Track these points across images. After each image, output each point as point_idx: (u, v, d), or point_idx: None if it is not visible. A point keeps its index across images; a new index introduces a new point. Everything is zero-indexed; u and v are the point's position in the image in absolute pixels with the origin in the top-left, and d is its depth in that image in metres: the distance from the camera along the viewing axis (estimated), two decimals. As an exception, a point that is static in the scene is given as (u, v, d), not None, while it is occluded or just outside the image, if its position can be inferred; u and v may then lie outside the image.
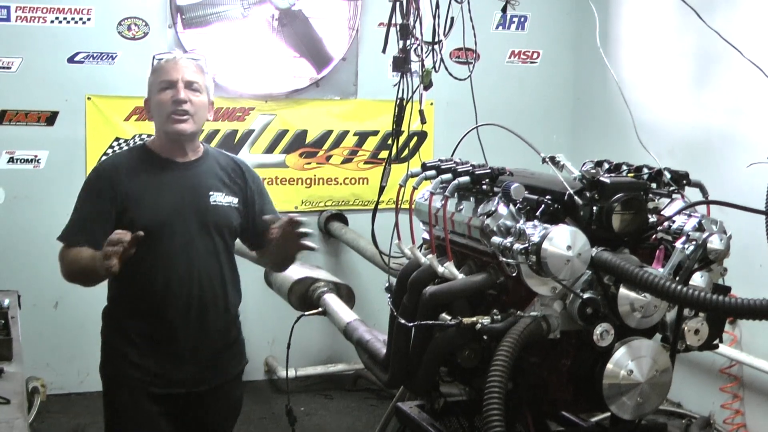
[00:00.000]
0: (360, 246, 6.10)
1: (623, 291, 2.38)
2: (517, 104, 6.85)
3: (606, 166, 2.80)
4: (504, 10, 3.95)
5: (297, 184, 6.61)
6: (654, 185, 2.65)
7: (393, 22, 3.65)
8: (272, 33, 6.41)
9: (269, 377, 6.49)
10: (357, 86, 6.71)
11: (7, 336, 3.72)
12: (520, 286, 2.41)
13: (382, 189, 3.48)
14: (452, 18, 3.71)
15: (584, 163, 2.78)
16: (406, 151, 5.84)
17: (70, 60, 6.07)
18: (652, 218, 2.53)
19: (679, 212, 2.54)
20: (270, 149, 6.51)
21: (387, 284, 3.02)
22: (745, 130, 5.29)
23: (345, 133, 6.72)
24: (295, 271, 4.77)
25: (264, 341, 6.24)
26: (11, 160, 6.04)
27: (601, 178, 2.47)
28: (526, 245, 2.33)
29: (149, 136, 6.02)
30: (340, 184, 6.75)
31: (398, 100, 3.53)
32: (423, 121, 3.62)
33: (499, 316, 2.43)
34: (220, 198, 3.36)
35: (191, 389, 3.37)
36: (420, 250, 2.86)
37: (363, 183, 6.78)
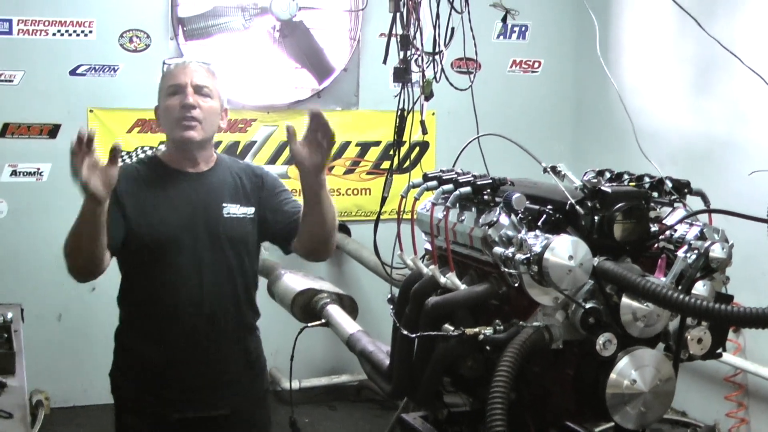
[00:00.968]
0: (362, 257, 6.10)
1: (625, 300, 2.37)
2: (518, 113, 6.87)
3: (607, 175, 2.80)
4: (504, 19, 3.97)
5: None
6: (655, 194, 2.65)
7: (394, 32, 3.66)
8: (273, 44, 6.42)
9: (273, 388, 6.48)
10: (358, 97, 6.73)
11: (10, 350, 3.72)
12: (522, 296, 2.41)
13: (384, 200, 3.48)
14: (453, 28, 3.72)
15: (585, 173, 2.78)
16: (407, 162, 5.86)
17: (72, 72, 6.10)
18: (654, 227, 2.53)
19: (680, 221, 2.54)
20: (272, 160, 6.53)
21: (389, 295, 3.01)
22: (747, 137, 5.29)
23: (347, 144, 6.73)
24: (297, 283, 4.77)
25: (267, 352, 6.19)
26: (14, 173, 6.06)
27: (603, 188, 2.47)
28: (528, 255, 2.33)
29: (151, 148, 6.12)
30: (343, 194, 6.75)
31: (399, 111, 3.53)
32: (424, 132, 3.62)
33: (501, 327, 2.42)
34: (234, 209, 3.22)
35: (208, 413, 3.23)
36: (422, 261, 2.86)
37: (365, 193, 6.79)
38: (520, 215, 2.48)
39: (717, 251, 2.43)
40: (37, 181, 6.11)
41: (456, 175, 2.75)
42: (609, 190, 2.46)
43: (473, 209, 2.65)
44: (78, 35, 6.08)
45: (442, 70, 3.62)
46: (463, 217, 2.66)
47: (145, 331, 3.22)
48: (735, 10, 5.32)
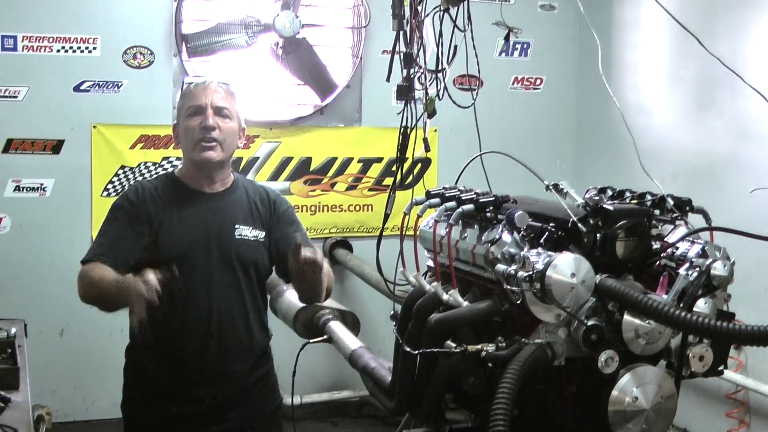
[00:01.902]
0: (365, 273, 6.10)
1: (627, 318, 2.38)
2: (520, 130, 6.89)
3: (609, 192, 2.81)
4: (507, 37, 3.96)
5: (301, 211, 6.62)
6: (657, 212, 2.66)
7: (397, 50, 3.67)
8: (276, 61, 6.45)
9: (279, 404, 6.47)
10: (361, 113, 6.75)
11: (14, 365, 3.72)
12: (524, 314, 2.41)
13: (386, 216, 3.49)
14: (455, 46, 3.73)
15: (587, 190, 2.79)
16: (410, 178, 5.88)
17: (76, 89, 6.12)
18: (656, 245, 2.54)
19: (682, 239, 2.55)
20: (275, 176, 6.54)
21: (392, 312, 3.02)
22: (748, 155, 5.31)
23: (349, 160, 6.75)
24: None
25: (269, 368, 6.24)
26: (17, 188, 6.08)
27: (605, 205, 2.48)
28: (531, 273, 2.34)
29: (154, 164, 6.13)
30: (345, 210, 6.76)
31: (402, 128, 3.54)
32: (427, 149, 3.62)
33: (503, 344, 2.43)
34: (246, 231, 3.24)
35: (215, 430, 3.24)
36: (425, 278, 2.87)
37: (367, 210, 6.80)
38: (522, 233, 2.49)
39: (718, 269, 2.44)
40: (40, 196, 6.12)
41: (459, 193, 2.76)
42: (611, 207, 2.47)
43: (476, 226, 2.66)
44: (82, 51, 6.10)
45: (445, 87, 3.63)
46: (465, 235, 2.67)
47: (155, 348, 3.22)
48: (736, 29, 5.34)
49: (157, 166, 6.21)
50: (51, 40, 6.04)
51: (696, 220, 2.66)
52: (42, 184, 6.12)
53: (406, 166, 3.64)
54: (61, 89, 6.10)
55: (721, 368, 2.57)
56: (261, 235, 3.27)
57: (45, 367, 5.85)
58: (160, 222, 3.16)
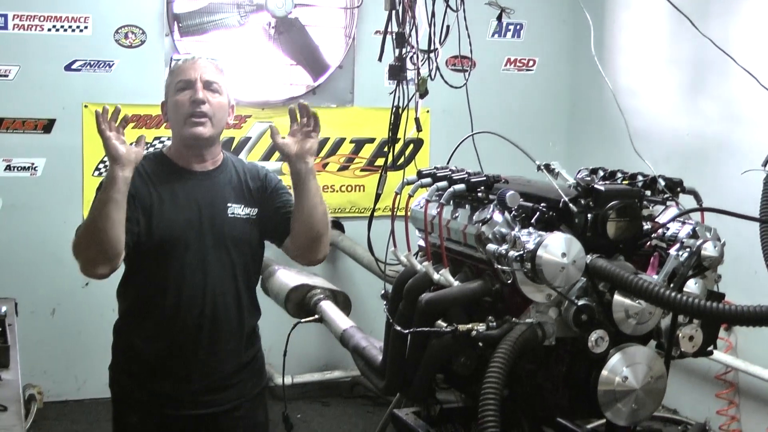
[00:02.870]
0: (356, 253, 6.11)
1: (618, 298, 2.39)
2: (512, 112, 6.87)
3: (601, 173, 2.81)
4: (500, 18, 3.96)
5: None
6: (648, 192, 2.66)
7: (389, 30, 3.66)
8: (269, 41, 6.42)
9: (266, 384, 6.49)
10: (353, 94, 6.73)
11: (5, 343, 3.72)
12: (515, 294, 2.42)
13: (378, 196, 3.48)
14: (448, 26, 3.72)
15: (579, 171, 2.79)
16: (402, 159, 5.88)
17: (67, 68, 6.09)
18: (647, 225, 2.55)
19: (673, 219, 2.55)
20: (266, 156, 6.52)
21: (383, 291, 3.02)
22: (740, 137, 5.31)
23: (341, 141, 6.74)
24: (291, 279, 4.78)
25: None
26: (8, 167, 6.05)
27: (596, 186, 2.49)
28: (521, 252, 2.34)
29: (146, 144, 6.10)
30: (337, 191, 6.76)
31: (394, 108, 3.53)
32: (419, 129, 3.62)
33: (494, 323, 2.44)
34: (238, 210, 3.20)
35: (204, 410, 3.21)
36: (416, 258, 2.87)
37: (359, 190, 6.80)
38: (513, 212, 2.49)
39: (709, 249, 2.45)
40: (31, 176, 6.10)
41: (450, 173, 2.76)
42: (602, 188, 2.48)
43: (467, 206, 2.66)
44: (73, 30, 6.07)
45: (437, 67, 3.62)
46: (456, 214, 2.67)
47: (146, 327, 3.19)
48: (729, 11, 5.34)
49: (148, 145, 6.19)
50: (42, 18, 6.00)
51: (687, 201, 2.67)
52: (33, 164, 6.10)
53: (398, 146, 3.64)
54: (52, 68, 6.06)
55: (710, 349, 2.59)
56: (253, 212, 3.24)
57: (37, 347, 5.84)
58: (150, 202, 3.13)
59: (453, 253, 2.69)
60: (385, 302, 2.97)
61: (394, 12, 3.59)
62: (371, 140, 6.77)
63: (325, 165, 6.70)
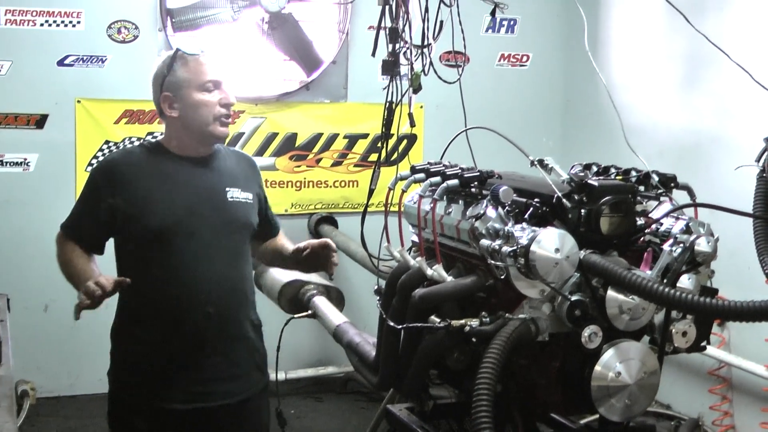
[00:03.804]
0: (349, 249, 6.10)
1: (611, 293, 2.39)
2: (506, 107, 6.87)
3: (594, 169, 2.81)
4: (493, 13, 3.95)
5: (287, 186, 6.61)
6: (642, 188, 2.66)
7: (382, 25, 3.65)
8: (262, 36, 6.42)
9: (268, 380, 6.49)
10: (347, 89, 6.73)
11: (-4, 339, 3.71)
12: (508, 289, 2.42)
13: (371, 192, 3.48)
14: (441, 21, 3.71)
15: (572, 166, 2.79)
16: (395, 154, 5.86)
17: (60, 63, 6.07)
18: (640, 221, 2.55)
19: (666, 215, 2.55)
20: (260, 152, 6.52)
21: (376, 287, 3.02)
22: (734, 132, 5.32)
23: (335, 136, 6.74)
24: (284, 274, 4.77)
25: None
26: (1, 163, 6.04)
27: (590, 181, 2.48)
28: (515, 248, 2.34)
29: (139, 139, 6.10)
30: (330, 186, 6.76)
31: (388, 104, 3.53)
32: (412, 124, 3.62)
33: (487, 319, 2.43)
34: (237, 194, 3.21)
35: (216, 403, 3.18)
36: (409, 253, 2.87)
37: (353, 186, 6.79)
38: (507, 208, 2.49)
39: (702, 245, 2.44)
40: (24, 171, 6.08)
41: (443, 168, 2.76)
42: (596, 183, 2.48)
43: (460, 202, 2.66)
44: (66, 25, 6.06)
45: (431, 63, 3.62)
46: (450, 210, 2.67)
47: (147, 319, 3.16)
48: (723, 6, 5.34)
49: (141, 141, 6.18)
50: (34, 13, 5.99)
51: (681, 197, 2.67)
52: (26, 159, 6.08)
53: (391, 142, 3.64)
54: (44, 63, 6.05)
55: (704, 344, 2.59)
56: (249, 196, 3.26)
57: (29, 343, 5.82)
58: (146, 191, 3.11)
59: (446, 248, 2.69)
60: (378, 298, 2.97)
61: (387, 7, 3.58)
62: (365, 136, 6.77)
63: (318, 160, 6.70)
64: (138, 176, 3.14)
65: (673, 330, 2.50)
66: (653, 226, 2.55)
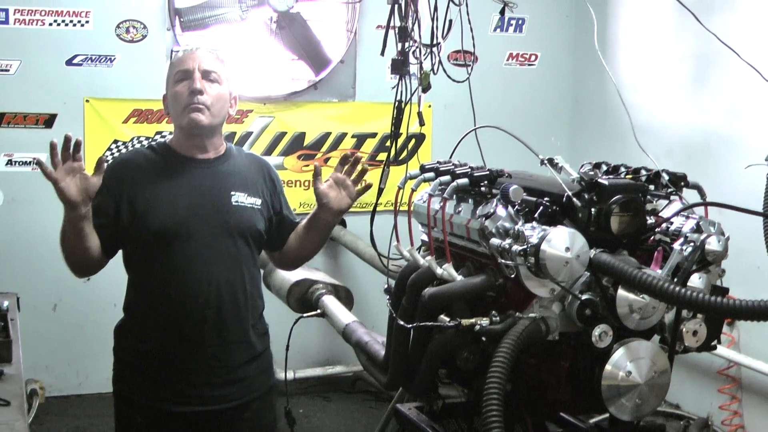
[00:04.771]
0: (358, 248, 6.10)
1: (622, 292, 2.38)
2: (515, 106, 6.86)
3: (604, 167, 2.81)
4: (502, 12, 3.96)
5: (295, 186, 6.61)
6: (652, 187, 2.65)
7: (392, 24, 3.66)
8: (270, 35, 6.41)
9: (273, 383, 6.49)
10: (355, 89, 6.72)
11: (7, 338, 3.71)
12: (518, 288, 2.41)
13: (380, 191, 3.48)
14: (450, 20, 3.72)
15: (582, 165, 2.79)
16: (404, 153, 5.87)
17: (69, 62, 6.08)
18: (651, 220, 2.54)
19: (677, 214, 2.55)
20: (268, 151, 6.52)
21: (386, 286, 3.02)
22: (743, 131, 5.30)
23: (343, 135, 6.74)
24: (293, 274, 4.77)
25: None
26: (10, 162, 6.05)
27: (600, 180, 2.48)
28: (525, 247, 2.34)
29: (147, 138, 6.11)
30: (338, 185, 6.74)
31: (397, 103, 3.53)
32: (422, 123, 3.62)
33: (497, 318, 2.43)
34: (242, 198, 3.16)
35: (212, 407, 3.16)
36: (419, 252, 2.87)
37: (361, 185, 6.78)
38: (517, 207, 2.49)
39: (713, 244, 2.44)
40: (32, 170, 6.09)
41: (453, 167, 2.75)
42: (606, 182, 2.47)
43: (470, 201, 2.66)
44: (75, 25, 6.06)
45: (440, 62, 3.62)
46: (460, 209, 2.67)
47: (147, 320, 3.15)
48: (733, 5, 5.32)
49: (150, 140, 6.19)
50: (43, 13, 6.00)
51: (691, 196, 2.66)
52: (35, 159, 6.09)
53: (400, 141, 3.64)
54: (53, 63, 6.06)
55: (714, 343, 2.58)
56: (257, 202, 3.21)
57: (38, 342, 5.82)
58: (150, 192, 3.11)
59: (456, 247, 2.69)
60: (387, 297, 2.97)
61: (396, 6, 3.59)
62: (373, 135, 6.77)
63: (326, 160, 6.69)
64: (144, 177, 3.14)
65: (684, 329, 2.49)
66: (663, 225, 2.54)
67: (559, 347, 2.47)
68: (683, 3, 3.33)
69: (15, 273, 5.87)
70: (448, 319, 2.53)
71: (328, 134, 6.69)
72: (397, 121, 3.51)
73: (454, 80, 3.75)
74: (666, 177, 2.65)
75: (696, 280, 2.48)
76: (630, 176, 2.71)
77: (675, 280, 2.40)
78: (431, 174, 2.77)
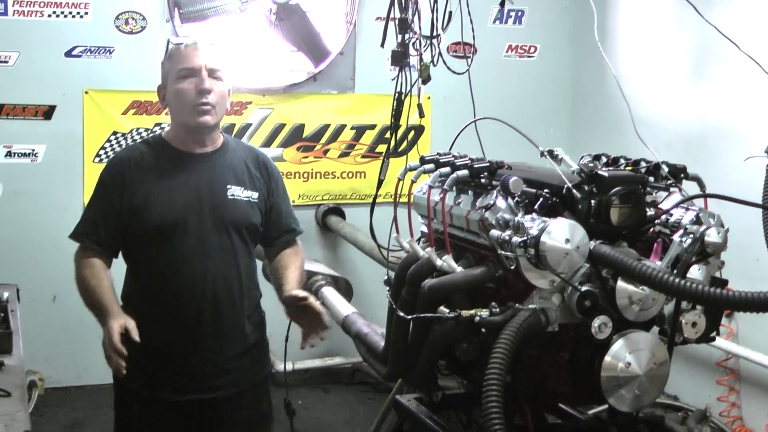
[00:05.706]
0: (358, 240, 6.10)
1: (621, 284, 2.39)
2: (514, 98, 6.86)
3: (604, 159, 2.81)
4: (502, 4, 3.96)
5: (294, 177, 6.61)
6: (652, 179, 2.66)
7: (392, 16, 3.66)
8: (270, 27, 6.41)
9: (269, 372, 6.49)
10: (354, 80, 6.72)
11: (7, 329, 3.71)
12: (518, 280, 2.42)
13: (380, 182, 3.48)
14: (450, 12, 3.71)
15: (582, 157, 2.79)
16: (403, 145, 5.87)
17: (68, 54, 6.07)
18: (650, 211, 2.54)
19: (676, 205, 2.55)
20: (267, 143, 6.52)
21: (386, 277, 3.02)
22: (743, 124, 5.30)
23: (342, 127, 6.73)
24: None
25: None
26: (9, 154, 6.05)
27: (600, 172, 2.48)
28: (525, 238, 2.34)
29: (146, 130, 6.11)
30: (338, 177, 6.75)
31: (396, 94, 3.53)
32: (421, 115, 3.62)
33: (497, 309, 2.43)
34: (238, 192, 3.18)
35: (207, 396, 3.19)
36: (418, 244, 2.87)
37: (360, 177, 6.79)
38: (517, 198, 2.49)
39: (712, 236, 2.44)
40: (32, 162, 6.09)
41: (453, 159, 2.76)
42: (606, 174, 2.47)
43: (470, 192, 2.66)
44: (74, 17, 6.05)
45: (440, 53, 3.62)
46: (459, 200, 2.67)
47: (145, 312, 3.16)
48: (732, -3, 5.32)
49: (149, 132, 6.18)
50: (42, 4, 5.98)
51: (690, 188, 2.66)
52: (34, 150, 6.09)
53: (399, 132, 3.64)
54: (52, 54, 6.05)
55: (713, 335, 2.59)
56: (254, 195, 3.22)
57: (38, 334, 5.83)
58: (148, 189, 3.12)
59: (456, 239, 2.69)
60: (387, 288, 2.97)
61: (396, -3, 3.59)
62: (372, 127, 6.77)
63: (326, 152, 6.70)
64: (142, 175, 3.15)
65: (683, 321, 2.50)
66: (663, 217, 2.54)
67: (559, 338, 2.47)
68: (683, -5, 3.33)
69: (14, 264, 5.86)
70: (447, 310, 2.53)
71: (327, 126, 6.68)
72: (396, 113, 3.52)
73: (453, 72, 3.75)
74: (666, 169, 2.66)
75: (695, 272, 2.49)
76: (630, 168, 2.71)
77: (674, 271, 2.41)
78: (431, 165, 2.77)
